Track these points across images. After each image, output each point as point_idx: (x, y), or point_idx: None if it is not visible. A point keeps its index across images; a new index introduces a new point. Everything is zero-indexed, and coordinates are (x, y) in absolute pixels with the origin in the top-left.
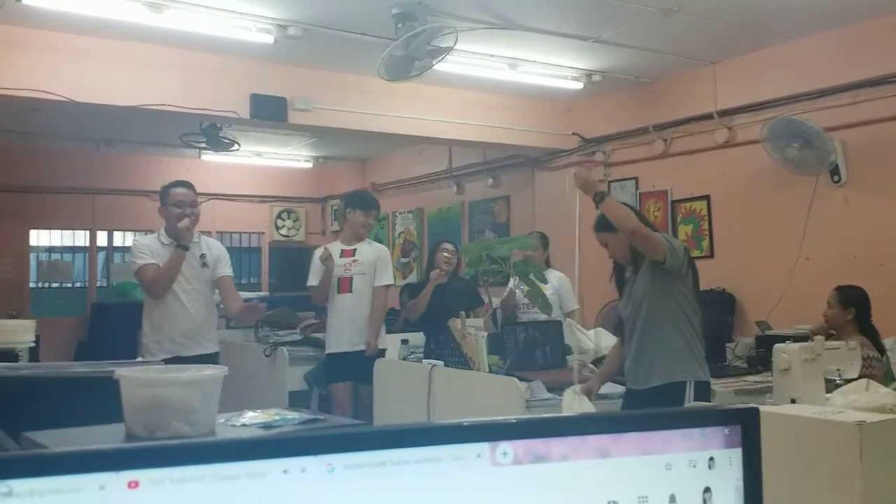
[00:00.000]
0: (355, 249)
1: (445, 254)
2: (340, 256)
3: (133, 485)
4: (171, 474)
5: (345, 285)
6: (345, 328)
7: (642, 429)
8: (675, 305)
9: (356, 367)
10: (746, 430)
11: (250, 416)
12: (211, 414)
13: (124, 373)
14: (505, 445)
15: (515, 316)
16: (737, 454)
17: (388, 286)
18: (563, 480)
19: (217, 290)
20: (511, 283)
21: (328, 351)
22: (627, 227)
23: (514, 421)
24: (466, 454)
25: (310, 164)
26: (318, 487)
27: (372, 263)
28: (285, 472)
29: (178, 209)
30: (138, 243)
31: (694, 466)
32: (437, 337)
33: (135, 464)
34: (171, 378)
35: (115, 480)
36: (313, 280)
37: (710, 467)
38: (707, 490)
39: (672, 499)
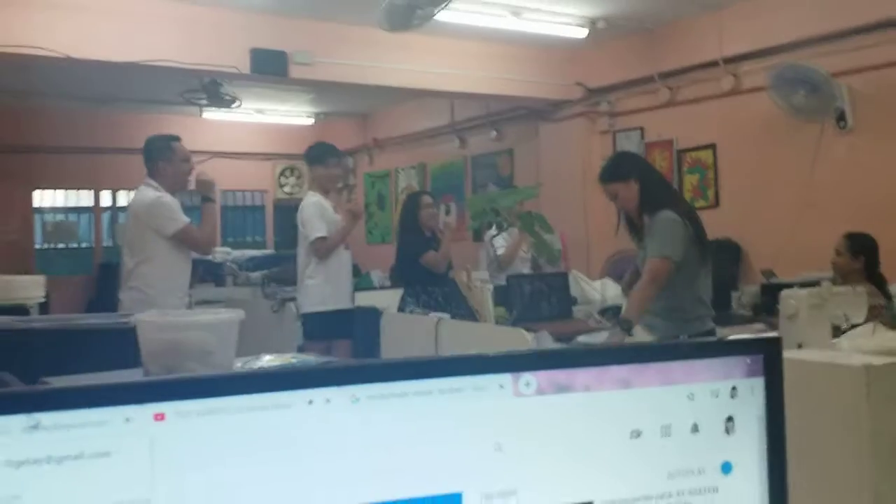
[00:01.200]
0: (334, 206)
1: (431, 209)
2: (335, 212)
3: (159, 417)
4: (197, 406)
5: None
6: (347, 284)
7: (664, 359)
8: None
9: (350, 323)
10: (769, 359)
11: (267, 360)
12: (228, 357)
13: (142, 317)
14: (528, 376)
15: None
16: (759, 383)
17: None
18: (587, 410)
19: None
20: (502, 237)
21: (335, 307)
22: (655, 291)
23: (537, 352)
24: (489, 385)
25: (311, 121)
26: (342, 417)
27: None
28: (310, 402)
29: (186, 165)
30: (169, 200)
31: (716, 396)
32: (425, 288)
33: (160, 396)
34: (188, 321)
35: (141, 413)
36: (324, 230)
37: (732, 396)
38: (730, 419)
39: (695, 428)
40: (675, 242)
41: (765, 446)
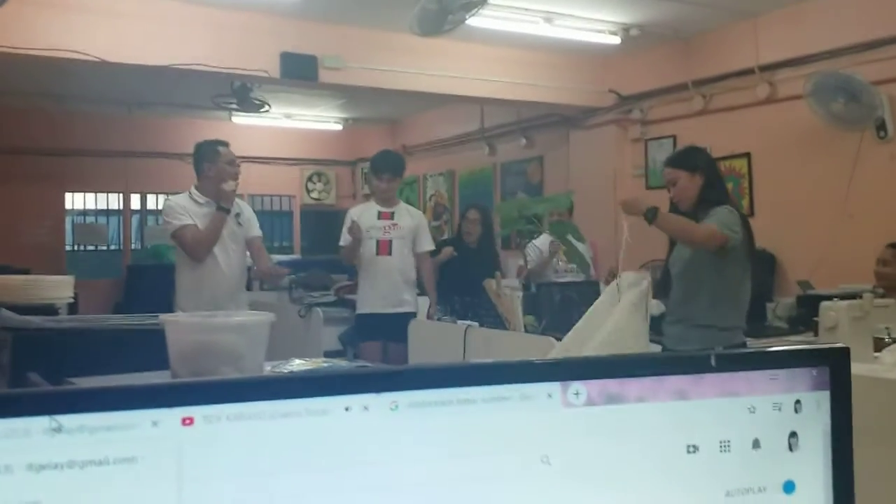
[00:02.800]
0: (393, 213)
1: (472, 218)
2: (378, 218)
3: (188, 421)
4: (227, 411)
5: (384, 247)
6: (382, 289)
7: (724, 370)
8: (716, 275)
9: (389, 327)
10: (835, 371)
11: (298, 364)
12: (258, 360)
13: (170, 318)
14: (577, 385)
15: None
16: (825, 397)
17: (430, 251)
18: (640, 423)
19: (248, 251)
20: (535, 246)
21: (362, 311)
22: (694, 239)
23: (588, 360)
24: (536, 394)
25: (340, 126)
26: (380, 425)
27: (412, 230)
28: (347, 409)
29: (231, 168)
30: (173, 203)
31: (779, 410)
32: (463, 299)
33: (189, 400)
34: (218, 323)
35: (169, 416)
36: (342, 240)
37: (796, 411)
38: (793, 434)
39: (756, 443)
40: (736, 230)
41: (830, 465)
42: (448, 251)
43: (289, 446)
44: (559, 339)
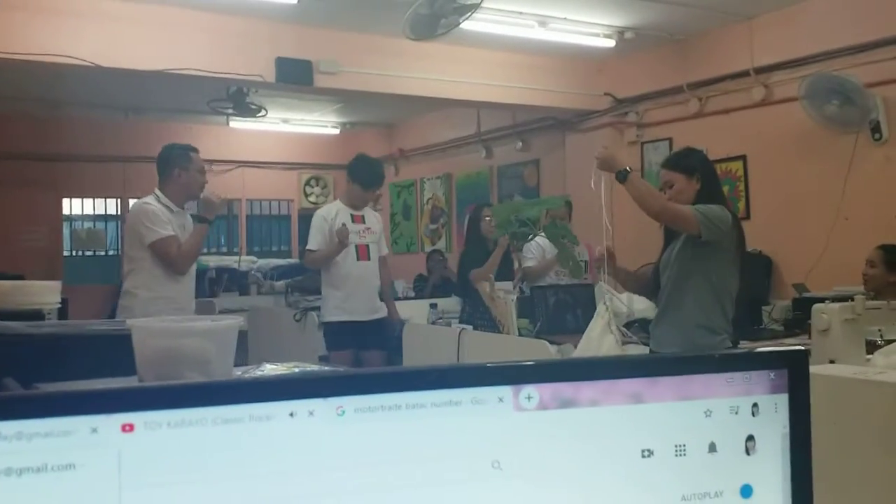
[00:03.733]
0: (363, 216)
1: (487, 218)
2: (353, 222)
3: (127, 428)
4: (169, 417)
5: (363, 252)
6: (362, 295)
7: (680, 372)
8: (702, 278)
9: (365, 335)
10: (794, 373)
11: (269, 368)
12: (227, 365)
13: (136, 323)
14: (529, 389)
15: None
16: (783, 400)
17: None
18: (593, 427)
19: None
20: (538, 245)
21: (334, 318)
22: (653, 207)
23: (540, 363)
24: (487, 398)
25: (337, 131)
26: (327, 431)
27: (379, 233)
28: (292, 415)
29: (202, 176)
30: (155, 209)
31: (736, 413)
32: (475, 301)
33: (129, 406)
34: (185, 328)
35: (108, 423)
36: (314, 244)
37: (753, 414)
38: (750, 438)
39: (712, 447)
40: (718, 224)
41: (789, 469)
42: (504, 242)
43: (232, 453)
44: (553, 343)
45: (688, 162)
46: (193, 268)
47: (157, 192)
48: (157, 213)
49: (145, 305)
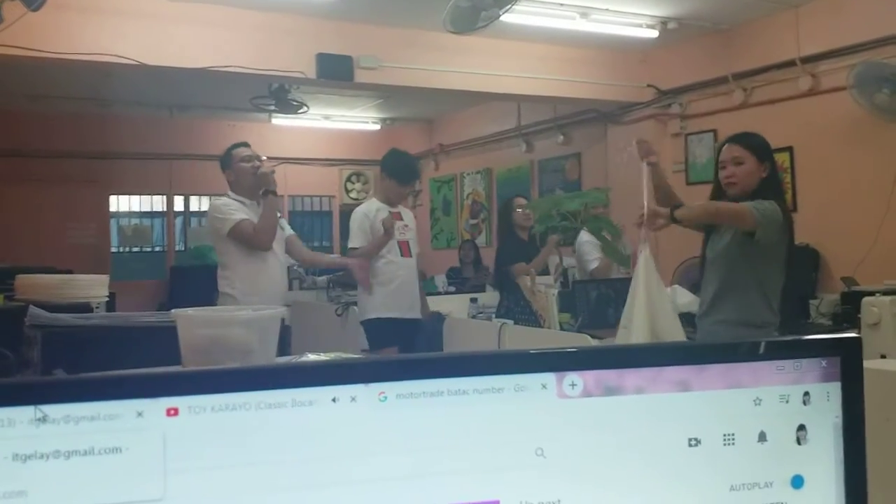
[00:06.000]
0: (400, 213)
1: (520, 209)
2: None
3: (172, 412)
4: (212, 401)
5: (405, 249)
6: (408, 293)
7: (729, 360)
8: (750, 276)
9: (406, 333)
10: (847, 361)
11: (311, 358)
12: (269, 354)
13: (181, 313)
14: (573, 376)
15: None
16: (835, 388)
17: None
18: (638, 415)
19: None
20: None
21: (380, 315)
22: (711, 214)
23: (584, 349)
24: (531, 384)
25: (377, 126)
26: (368, 416)
27: (415, 229)
28: (334, 400)
29: (247, 163)
30: (223, 201)
31: (787, 402)
32: (514, 295)
33: (174, 390)
34: (228, 317)
35: (154, 407)
36: (357, 241)
37: (804, 403)
38: (801, 427)
39: (762, 436)
40: (771, 222)
41: (841, 459)
42: (555, 240)
43: (274, 437)
44: (594, 337)
45: (763, 146)
46: (284, 266)
47: (230, 192)
48: (227, 203)
49: (246, 298)
